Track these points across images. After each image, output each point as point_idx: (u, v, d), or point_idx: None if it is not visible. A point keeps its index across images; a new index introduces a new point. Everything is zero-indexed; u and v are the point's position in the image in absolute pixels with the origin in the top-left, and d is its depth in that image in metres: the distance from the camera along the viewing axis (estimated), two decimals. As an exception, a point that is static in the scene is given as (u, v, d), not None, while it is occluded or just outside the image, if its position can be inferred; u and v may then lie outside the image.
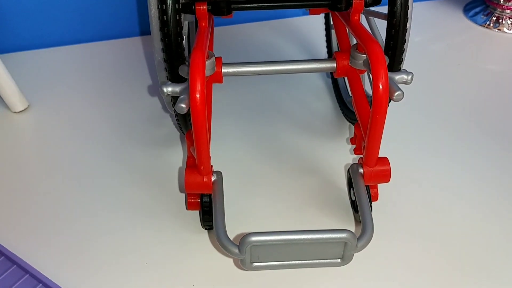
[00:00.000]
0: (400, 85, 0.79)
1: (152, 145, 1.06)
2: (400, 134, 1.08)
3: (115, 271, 0.83)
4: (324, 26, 1.25)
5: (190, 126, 0.82)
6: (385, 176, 0.85)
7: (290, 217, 0.91)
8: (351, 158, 1.02)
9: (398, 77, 0.81)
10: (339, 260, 0.74)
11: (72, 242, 0.87)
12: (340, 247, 0.73)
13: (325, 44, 1.26)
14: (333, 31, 1.19)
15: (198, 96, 0.71)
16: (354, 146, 0.90)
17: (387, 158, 0.85)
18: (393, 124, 1.01)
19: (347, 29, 0.98)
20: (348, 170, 0.90)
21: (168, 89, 0.79)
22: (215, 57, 0.82)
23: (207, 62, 0.77)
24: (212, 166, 0.82)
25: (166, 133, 1.09)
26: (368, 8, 0.90)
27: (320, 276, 0.82)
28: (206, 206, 0.85)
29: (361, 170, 0.85)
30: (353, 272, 0.82)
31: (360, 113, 0.88)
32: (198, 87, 0.71)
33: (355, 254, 0.74)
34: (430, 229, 0.89)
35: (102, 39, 1.38)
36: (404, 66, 0.88)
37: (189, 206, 0.87)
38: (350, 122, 1.09)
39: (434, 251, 0.86)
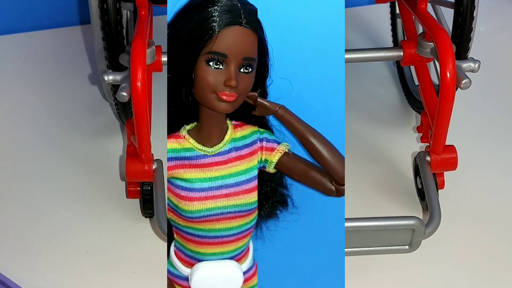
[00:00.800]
0: (467, 73, 0.80)
1: (93, 134, 1.05)
2: (466, 122, 1.08)
3: (55, 259, 0.82)
4: (389, 15, 1.25)
5: (130, 114, 0.83)
6: (452, 164, 0.85)
7: (352, 204, 0.91)
8: (418, 146, 1.02)
9: (465, 65, 0.81)
10: (407, 246, 0.75)
11: (9, 231, 0.86)
12: (407, 234, 0.74)
13: (389, 33, 1.26)
14: (398, 20, 1.19)
15: (139, 84, 0.71)
16: (421, 134, 0.90)
17: (454, 146, 0.85)
18: (460, 112, 1.00)
19: (414, 18, 0.98)
20: (415, 158, 0.90)
21: (109, 77, 0.79)
22: (155, 46, 0.82)
23: (147, 51, 0.76)
24: (152, 154, 0.82)
25: (106, 122, 1.08)
26: (435, -3, 0.91)
27: (384, 262, 0.82)
28: (147, 195, 0.84)
29: (428, 158, 0.85)
30: (420, 259, 0.82)
31: (427, 102, 0.88)
32: (139, 75, 0.71)
33: (422, 240, 0.75)
34: (497, 216, 0.89)
35: (41, 28, 1.35)
36: (470, 55, 0.88)
37: (129, 194, 0.87)
38: (416, 111, 1.08)
39: (502, 239, 0.86)
